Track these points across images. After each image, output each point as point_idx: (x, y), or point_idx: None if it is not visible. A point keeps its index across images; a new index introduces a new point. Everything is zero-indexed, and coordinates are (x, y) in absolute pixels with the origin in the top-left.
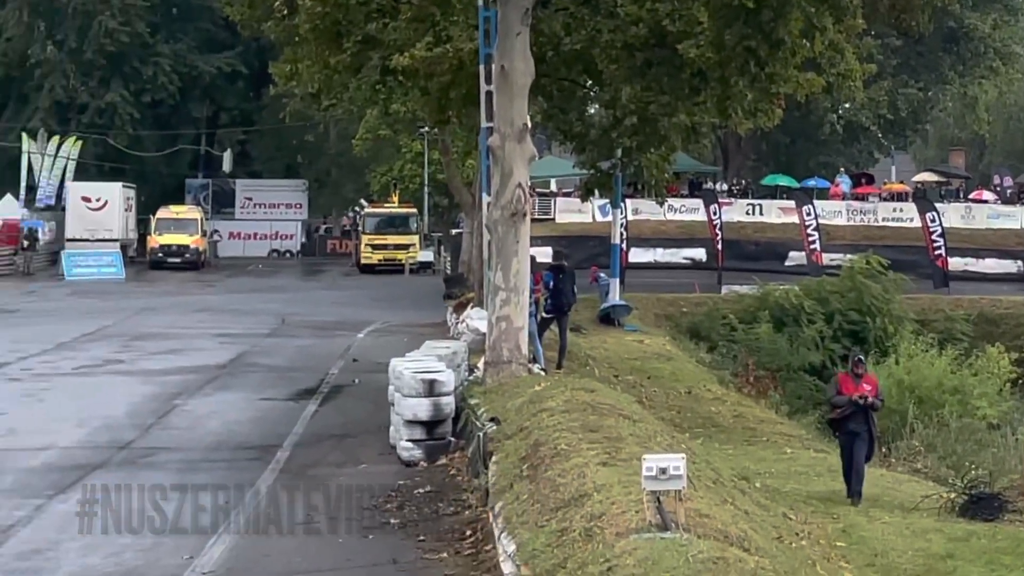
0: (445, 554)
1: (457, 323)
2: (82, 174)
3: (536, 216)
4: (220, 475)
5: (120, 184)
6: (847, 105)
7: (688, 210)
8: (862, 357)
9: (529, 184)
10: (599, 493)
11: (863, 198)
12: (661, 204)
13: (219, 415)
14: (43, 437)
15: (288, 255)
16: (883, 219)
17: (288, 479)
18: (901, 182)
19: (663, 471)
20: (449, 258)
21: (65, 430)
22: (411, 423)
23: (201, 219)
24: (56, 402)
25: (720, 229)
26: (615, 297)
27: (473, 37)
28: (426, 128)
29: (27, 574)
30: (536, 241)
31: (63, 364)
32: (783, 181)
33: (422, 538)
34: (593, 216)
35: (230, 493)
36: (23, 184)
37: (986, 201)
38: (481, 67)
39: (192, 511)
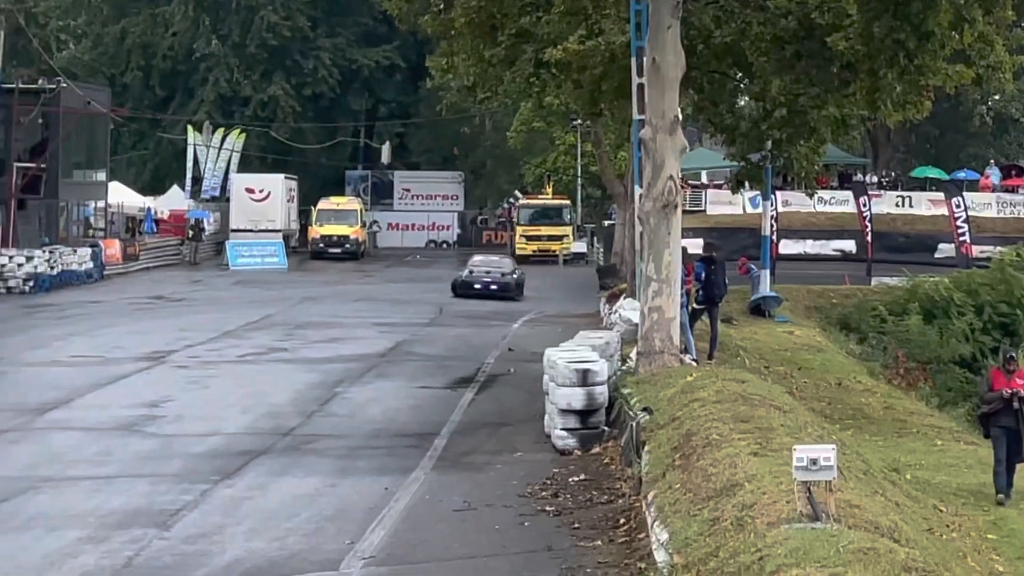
0: (599, 542)
1: (610, 313)
2: (246, 166)
3: (687, 208)
4: (380, 462)
5: (282, 176)
6: (997, 97)
7: (838, 202)
8: (1014, 354)
9: (680, 176)
10: (750, 483)
11: (1013, 190)
12: (811, 196)
13: (378, 403)
14: (209, 423)
15: (445, 245)
16: None
17: (445, 466)
18: None
19: (814, 462)
20: (602, 249)
21: (230, 417)
22: (565, 412)
23: (361, 210)
24: (221, 389)
25: (870, 221)
26: (765, 288)
27: (625, 30)
28: (579, 120)
29: (193, 557)
30: (687, 233)
31: (228, 352)
32: (932, 173)
33: (576, 526)
34: (743, 208)
35: (390, 479)
36: (189, 176)
37: None
38: (633, 60)
39: (353, 497)
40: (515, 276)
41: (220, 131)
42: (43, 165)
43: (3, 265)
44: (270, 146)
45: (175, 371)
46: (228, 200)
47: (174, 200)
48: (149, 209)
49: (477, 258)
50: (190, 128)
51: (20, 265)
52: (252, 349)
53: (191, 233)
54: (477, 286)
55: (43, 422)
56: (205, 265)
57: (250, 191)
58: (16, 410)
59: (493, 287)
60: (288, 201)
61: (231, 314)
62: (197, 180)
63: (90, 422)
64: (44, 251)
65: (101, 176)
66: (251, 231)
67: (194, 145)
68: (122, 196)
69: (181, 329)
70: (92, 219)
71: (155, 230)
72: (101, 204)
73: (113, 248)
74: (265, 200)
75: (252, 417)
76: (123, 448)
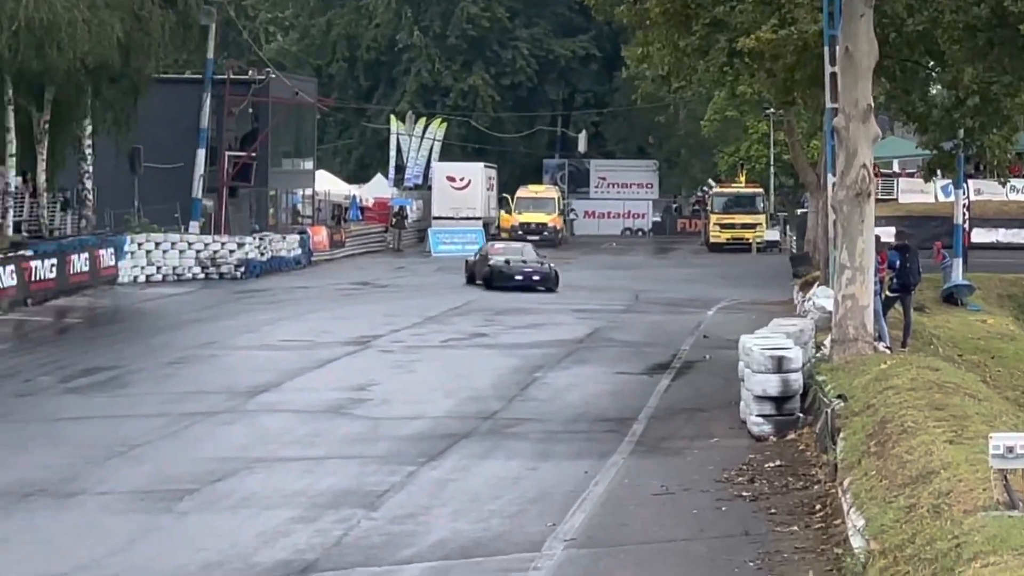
0: (795, 527)
1: (803, 301)
2: (447, 154)
3: (879, 196)
4: (579, 446)
5: (482, 164)
6: None
7: None
8: None
9: (873, 164)
10: (946, 471)
11: None
12: (1003, 184)
13: (577, 388)
14: (414, 407)
15: (640, 233)
16: None
17: (643, 451)
18: None
19: (1010, 449)
20: (795, 237)
21: (434, 400)
22: (760, 399)
23: (558, 198)
24: (426, 373)
25: None
26: (958, 277)
27: (817, 19)
28: (772, 109)
29: (400, 537)
30: (879, 221)
31: (432, 337)
32: None
33: (773, 511)
34: (935, 196)
35: (589, 463)
36: (392, 164)
37: None
38: (826, 48)
39: (554, 480)
40: (552, 266)
41: (422, 120)
42: (253, 154)
43: (216, 252)
44: (470, 135)
45: (381, 355)
46: (430, 188)
47: (378, 188)
48: (354, 197)
49: (499, 245)
50: (393, 118)
51: (232, 252)
52: (454, 334)
53: (394, 220)
54: (518, 277)
55: (254, 404)
56: (408, 252)
57: (451, 179)
58: (228, 392)
59: (535, 278)
60: (488, 189)
61: (434, 300)
62: (400, 169)
63: (300, 404)
64: (254, 238)
65: (308, 165)
66: (452, 219)
67: (397, 134)
68: (328, 184)
69: (386, 314)
70: (300, 207)
71: (360, 217)
72: (308, 192)
73: (320, 235)
74: (465, 188)
75: (455, 401)
76: (332, 430)
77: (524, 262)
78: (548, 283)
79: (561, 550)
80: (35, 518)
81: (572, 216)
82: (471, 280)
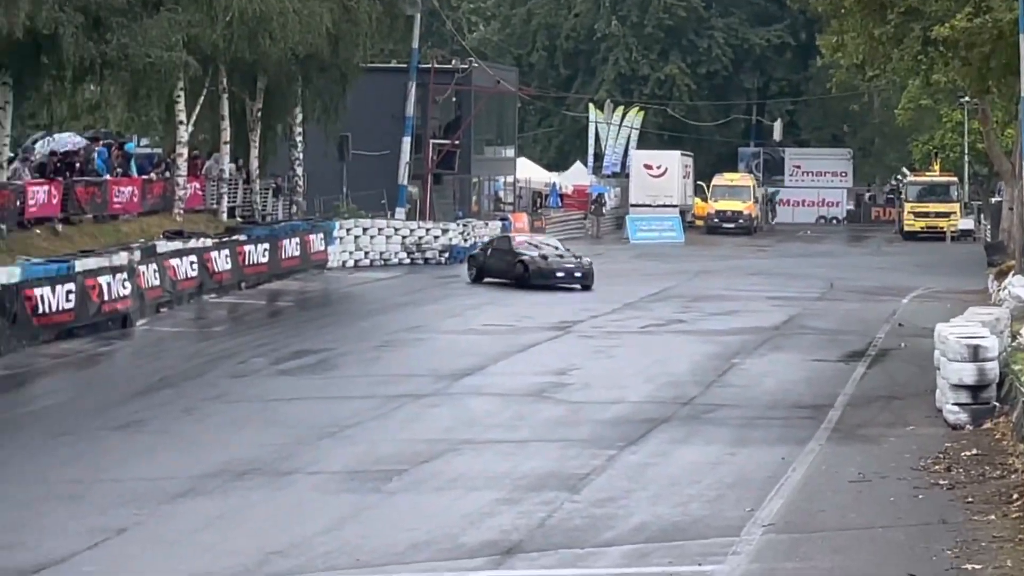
0: (993, 516)
1: (998, 290)
2: (644, 142)
3: None
4: (776, 432)
5: (679, 152)
6: None
7: None
8: None
9: None
10: None
11: None
12: None
13: (774, 375)
14: (614, 391)
15: (834, 221)
16: None
17: (839, 438)
18: None
19: None
20: (989, 226)
21: (633, 385)
22: (956, 387)
23: (754, 186)
24: (624, 359)
25: None
26: None
27: (1013, 7)
28: (966, 98)
29: (602, 520)
30: None
31: (630, 323)
32: None
33: (970, 500)
34: None
35: (786, 450)
36: (591, 152)
37: None
38: (1021, 37)
39: (752, 466)
40: (589, 261)
41: (620, 109)
42: (457, 142)
43: (421, 237)
44: (667, 123)
45: (581, 340)
46: (627, 176)
47: (577, 176)
48: (554, 184)
49: (520, 238)
50: (591, 106)
51: (436, 237)
52: (652, 320)
53: (593, 207)
54: (560, 274)
55: (459, 387)
56: (607, 239)
57: (648, 167)
58: (434, 376)
59: (577, 274)
60: (684, 177)
61: (631, 286)
62: (598, 156)
63: (503, 388)
64: (458, 224)
65: (510, 152)
66: (649, 206)
67: (595, 122)
68: (529, 172)
69: (585, 300)
70: (502, 193)
71: (560, 204)
72: (510, 179)
73: (521, 221)
74: (662, 176)
75: (654, 386)
76: (534, 414)
77: (561, 256)
78: (588, 280)
79: (760, 535)
80: (250, 496)
81: (778, 202)
82: (479, 277)
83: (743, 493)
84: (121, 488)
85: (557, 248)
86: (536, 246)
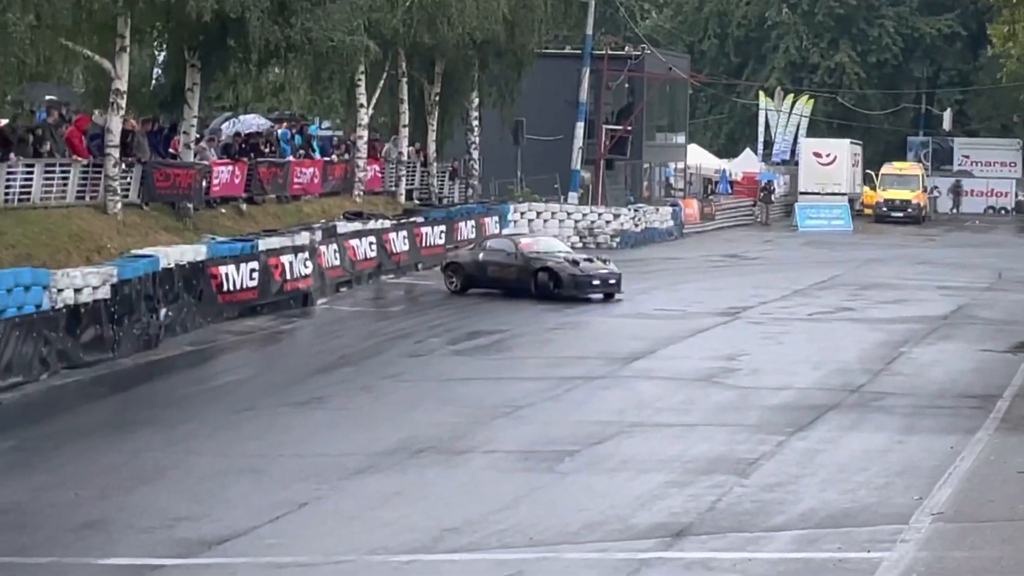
0: None
1: None
2: (813, 131)
3: None
4: (944, 421)
5: (848, 141)
6: None
7: None
8: None
9: None
10: None
11: None
12: None
13: (941, 364)
14: (782, 378)
15: (1003, 212)
16: None
17: (1008, 428)
18: None
19: None
20: None
21: (801, 372)
22: None
23: (922, 175)
24: (793, 345)
25: None
26: None
27: None
28: None
29: (771, 504)
30: None
31: (798, 310)
32: None
33: None
34: None
35: (954, 439)
36: (760, 140)
37: None
38: None
39: (920, 454)
40: (613, 265)
41: (790, 97)
42: (629, 128)
43: (593, 222)
44: (836, 111)
45: (750, 326)
46: (796, 164)
47: (746, 163)
48: (724, 171)
49: (526, 240)
50: (762, 94)
51: (608, 222)
52: (821, 308)
53: (762, 195)
54: (596, 282)
55: (630, 371)
56: (775, 226)
57: (817, 155)
58: (606, 359)
59: (611, 282)
60: (853, 166)
61: (800, 273)
62: (768, 144)
63: (673, 372)
64: (629, 209)
65: (680, 139)
66: (818, 194)
67: (765, 110)
68: (699, 158)
69: (754, 287)
70: (672, 180)
71: (729, 191)
72: (680, 166)
73: (691, 208)
74: (831, 164)
75: (822, 373)
76: (704, 398)
77: (590, 261)
78: (618, 287)
79: (928, 523)
80: (426, 473)
81: (935, 194)
82: (465, 287)
83: (911, 481)
84: (302, 463)
85: (568, 252)
86: (545, 249)
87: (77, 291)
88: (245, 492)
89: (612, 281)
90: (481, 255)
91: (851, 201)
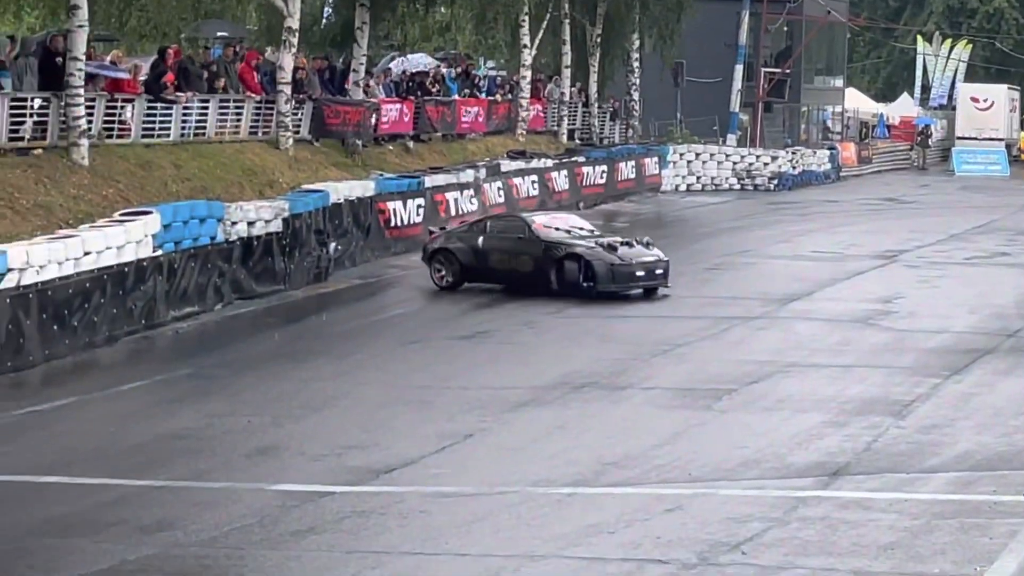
0: None
1: None
2: (971, 76)
3: None
4: None
5: (1005, 86)
6: None
7: None
8: None
9: None
10: None
11: None
12: None
13: None
14: (938, 321)
15: None
16: None
17: None
18: None
19: None
20: None
21: (957, 315)
22: None
23: None
24: (949, 289)
25: None
26: None
27: None
28: None
29: (926, 446)
30: None
31: (955, 254)
32: None
33: None
34: None
35: None
36: (918, 84)
37: None
38: None
39: None
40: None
41: (948, 42)
42: (787, 70)
43: (751, 164)
44: (994, 57)
45: (906, 270)
46: (954, 108)
47: (904, 107)
48: (881, 115)
49: (538, 218)
50: (920, 38)
51: (765, 164)
52: (977, 252)
53: (919, 139)
54: (640, 273)
55: (787, 311)
56: (932, 170)
57: (974, 100)
58: (763, 299)
59: (659, 272)
60: (1010, 111)
61: (957, 218)
62: (925, 88)
63: (829, 313)
64: (787, 152)
65: (838, 83)
66: (975, 139)
67: (923, 55)
68: (856, 102)
69: (911, 231)
70: (829, 123)
71: (886, 135)
72: (838, 109)
73: (848, 151)
74: (988, 109)
75: (978, 317)
76: (859, 340)
77: (629, 244)
78: (666, 278)
79: None
80: (588, 408)
81: None
82: (459, 283)
83: None
84: (467, 395)
85: (593, 231)
86: (570, 231)
87: (250, 224)
88: (412, 423)
89: (660, 271)
90: (481, 239)
91: (1008, 147)
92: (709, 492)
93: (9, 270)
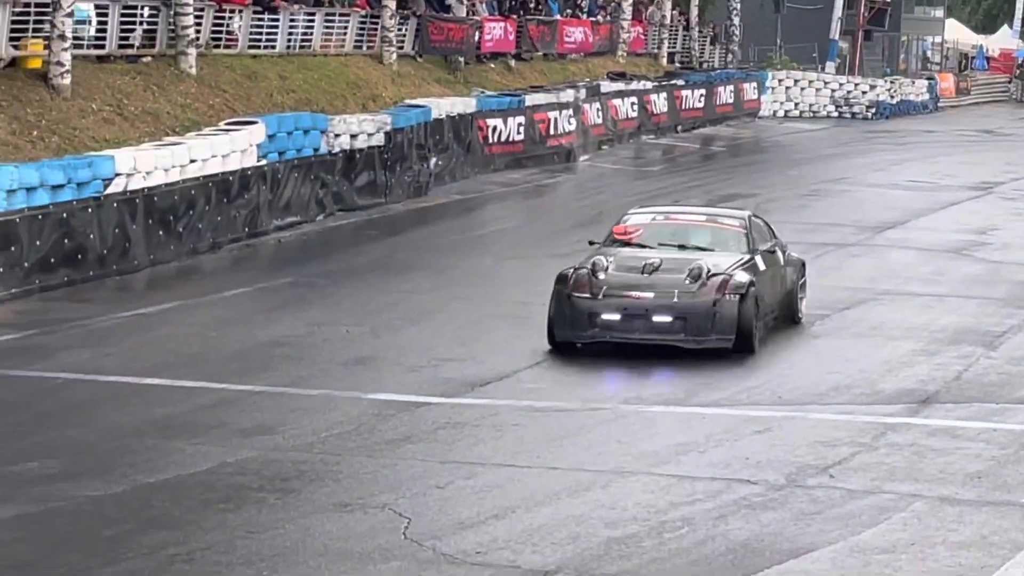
0: None
1: None
2: None
3: None
4: None
5: None
6: None
7: None
8: None
9: None
10: None
11: None
12: None
13: None
14: None
15: None
16: None
17: None
18: None
19: None
20: None
21: None
22: None
23: None
24: None
25: None
26: None
27: None
28: None
29: (1017, 377)
30: None
31: None
32: None
33: None
34: None
35: None
36: (1018, 17)
37: None
38: None
39: None
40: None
41: None
42: (888, 0)
43: (849, 92)
44: None
45: (1001, 202)
46: None
47: (1003, 40)
48: (980, 47)
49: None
50: None
51: (864, 93)
52: None
53: (1018, 72)
54: (609, 317)
55: (881, 240)
56: None
57: None
58: (858, 227)
59: (662, 321)
60: None
61: None
62: None
63: (923, 243)
64: (885, 81)
65: (939, 13)
66: None
67: None
68: (956, 33)
69: (1007, 163)
70: (929, 53)
71: (985, 67)
72: (937, 39)
73: (947, 82)
74: None
75: None
76: (953, 270)
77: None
78: (691, 333)
79: None
80: None
81: None
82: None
83: None
84: None
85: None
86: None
87: (353, 137)
88: (507, 337)
89: (667, 319)
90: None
91: None
92: (798, 415)
93: (117, 175)
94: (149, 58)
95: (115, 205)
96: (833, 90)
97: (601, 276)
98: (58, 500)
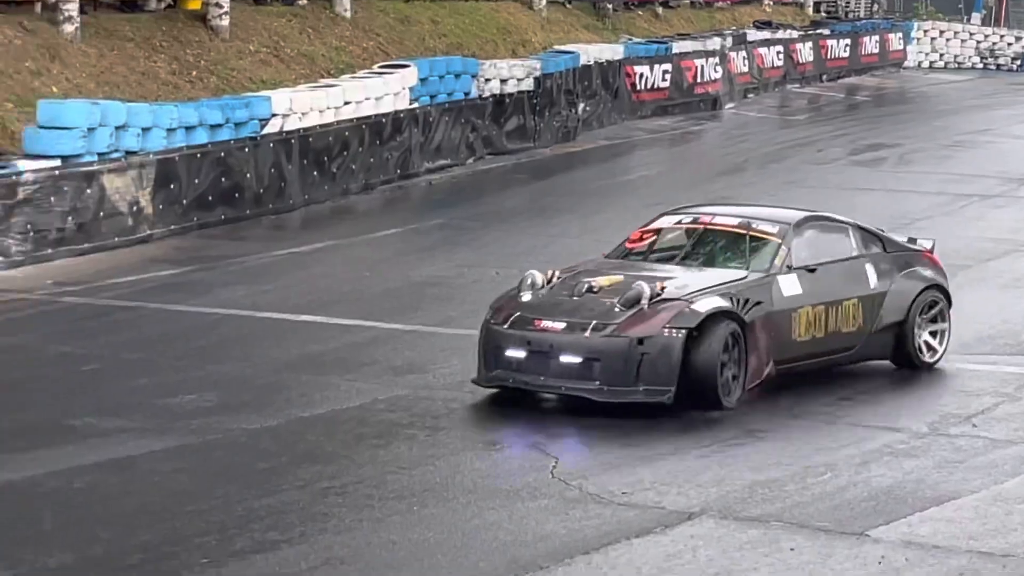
0: None
1: None
2: None
3: None
4: None
5: None
6: None
7: None
8: None
9: None
10: None
11: None
12: None
13: None
14: None
15: None
16: None
17: None
18: None
19: None
20: None
21: None
22: None
23: None
24: None
25: None
26: None
27: None
28: None
29: None
30: None
31: None
32: None
33: None
34: None
35: None
36: None
37: None
38: None
39: None
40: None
41: None
42: None
43: (994, 43)
44: None
45: None
46: None
47: None
48: None
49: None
50: None
51: (1009, 44)
52: None
53: None
54: (513, 354)
55: None
56: None
57: None
58: (1002, 178)
59: (571, 362)
60: None
61: None
62: None
63: None
64: None
65: None
66: None
67: None
68: None
69: None
70: None
71: None
72: None
73: None
74: None
75: None
76: None
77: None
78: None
79: None
80: None
81: None
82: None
83: None
84: None
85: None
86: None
87: (503, 82)
88: None
89: (573, 359)
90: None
91: None
92: (942, 364)
93: (273, 115)
94: (305, 1)
95: (271, 145)
96: (978, 41)
97: (525, 297)
98: (215, 432)
